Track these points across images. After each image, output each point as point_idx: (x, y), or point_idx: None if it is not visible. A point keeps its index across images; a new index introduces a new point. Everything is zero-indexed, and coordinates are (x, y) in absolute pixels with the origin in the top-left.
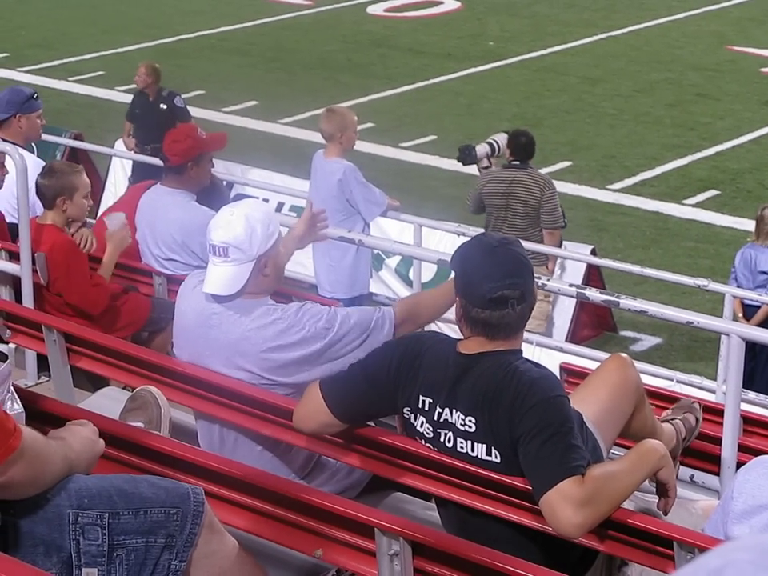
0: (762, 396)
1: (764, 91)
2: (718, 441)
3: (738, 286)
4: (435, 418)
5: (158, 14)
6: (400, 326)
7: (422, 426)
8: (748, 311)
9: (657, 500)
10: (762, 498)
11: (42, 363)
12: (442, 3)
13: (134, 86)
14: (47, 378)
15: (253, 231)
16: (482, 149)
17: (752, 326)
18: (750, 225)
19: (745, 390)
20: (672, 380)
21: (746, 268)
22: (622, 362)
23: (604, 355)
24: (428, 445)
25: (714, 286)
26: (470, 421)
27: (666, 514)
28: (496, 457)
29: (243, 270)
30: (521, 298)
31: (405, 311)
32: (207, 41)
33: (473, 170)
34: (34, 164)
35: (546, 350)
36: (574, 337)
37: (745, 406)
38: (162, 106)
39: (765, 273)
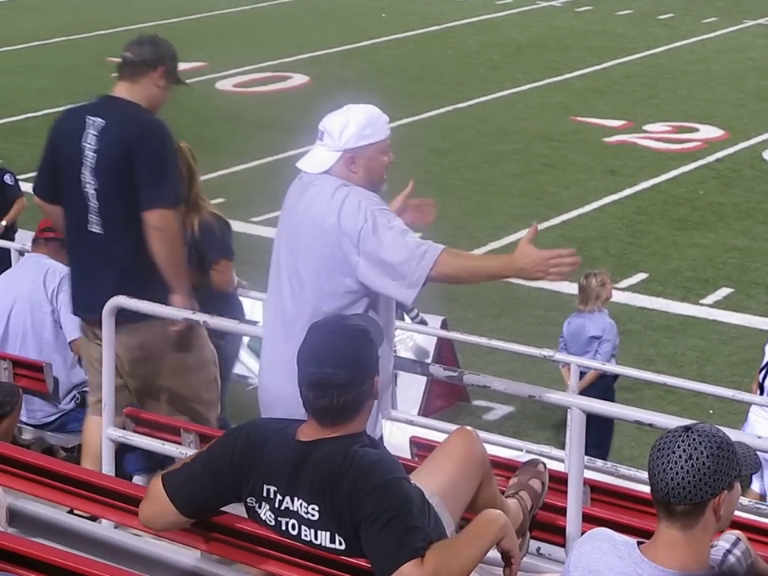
0: (609, 464)
1: (607, 160)
2: (563, 512)
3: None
4: (277, 506)
5: (4, 93)
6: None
7: (264, 513)
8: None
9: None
10: (596, 572)
11: None
12: (290, 78)
13: None
14: None
15: (346, 126)
16: None
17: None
18: None
19: (593, 459)
20: (522, 450)
21: (574, 336)
22: (466, 435)
23: (455, 427)
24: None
25: (560, 356)
26: (313, 509)
27: None
28: (340, 543)
29: (330, 157)
30: (340, 388)
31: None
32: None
33: None
34: None
35: (396, 424)
36: (427, 407)
37: (594, 475)
38: None
39: (595, 337)
